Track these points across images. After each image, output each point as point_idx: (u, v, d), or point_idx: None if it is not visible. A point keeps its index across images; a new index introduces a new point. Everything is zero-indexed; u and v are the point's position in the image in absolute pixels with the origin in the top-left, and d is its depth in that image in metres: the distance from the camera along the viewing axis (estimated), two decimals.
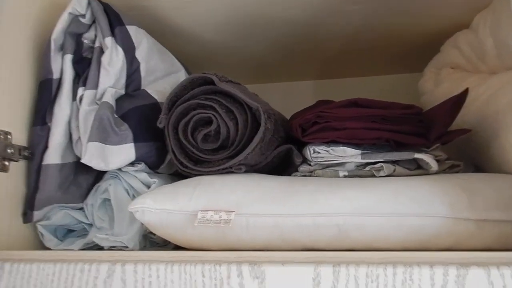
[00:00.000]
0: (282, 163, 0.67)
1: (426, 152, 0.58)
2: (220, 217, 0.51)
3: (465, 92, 0.62)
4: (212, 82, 0.61)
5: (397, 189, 0.51)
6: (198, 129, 0.61)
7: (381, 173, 0.57)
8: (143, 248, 0.64)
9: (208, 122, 0.60)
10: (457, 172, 0.61)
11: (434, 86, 0.84)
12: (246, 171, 0.60)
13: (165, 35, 0.80)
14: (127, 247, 0.61)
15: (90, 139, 0.60)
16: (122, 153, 0.62)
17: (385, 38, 0.89)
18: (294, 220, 0.51)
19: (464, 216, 0.48)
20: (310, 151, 0.60)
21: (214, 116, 0.59)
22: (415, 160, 0.58)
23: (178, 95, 0.62)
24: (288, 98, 1.11)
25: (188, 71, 0.81)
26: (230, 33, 0.85)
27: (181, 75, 0.77)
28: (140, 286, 0.45)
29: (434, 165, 0.57)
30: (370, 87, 1.09)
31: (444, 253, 0.42)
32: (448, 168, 0.60)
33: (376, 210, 0.49)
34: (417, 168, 0.58)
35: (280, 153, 0.63)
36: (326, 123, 0.60)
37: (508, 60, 0.66)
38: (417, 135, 0.60)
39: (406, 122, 0.60)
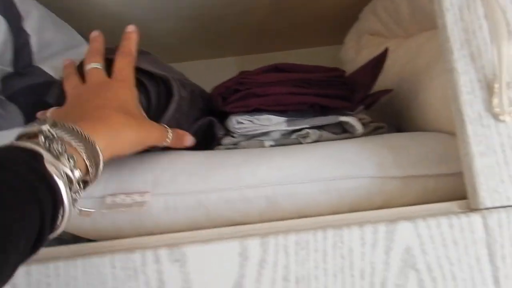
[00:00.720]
0: (205, 139, 0.62)
1: (350, 115, 0.56)
2: (132, 199, 0.46)
3: (385, 52, 0.61)
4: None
5: (324, 154, 0.49)
6: None
7: (308, 140, 0.55)
8: (47, 247, 0.56)
9: None
10: (381, 133, 0.60)
11: (355, 54, 0.84)
12: (164, 149, 0.54)
13: (63, 7, 0.72)
14: None
15: None
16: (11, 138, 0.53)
17: (307, 9, 0.87)
18: (220, 195, 0.47)
19: (391, 174, 0.47)
20: (233, 122, 0.56)
21: None
22: (341, 124, 0.56)
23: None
24: (210, 76, 1.06)
25: None
26: (140, 5, 0.78)
27: (84, 50, 0.69)
28: None
29: (359, 127, 0.55)
30: (295, 61, 1.07)
31: (373, 212, 0.40)
32: (372, 130, 0.59)
33: (305, 176, 0.47)
34: (343, 132, 0.57)
35: (201, 127, 0.58)
36: (248, 90, 0.56)
37: (423, 22, 0.66)
38: (342, 98, 0.58)
39: (329, 86, 0.58)
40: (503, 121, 0.38)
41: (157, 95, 0.54)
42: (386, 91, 0.61)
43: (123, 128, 0.41)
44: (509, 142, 0.38)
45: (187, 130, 0.53)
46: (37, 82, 0.58)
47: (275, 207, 0.47)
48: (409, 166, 0.47)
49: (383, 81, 0.67)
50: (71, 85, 0.49)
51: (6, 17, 0.55)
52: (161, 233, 0.47)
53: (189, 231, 0.41)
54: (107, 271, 0.38)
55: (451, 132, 0.51)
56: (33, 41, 0.60)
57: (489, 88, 0.39)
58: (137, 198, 0.46)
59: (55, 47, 0.64)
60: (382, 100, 0.67)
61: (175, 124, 0.53)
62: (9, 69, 0.57)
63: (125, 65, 0.49)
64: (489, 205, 0.37)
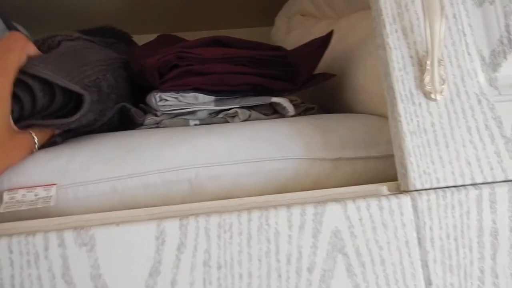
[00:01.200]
0: (125, 122, 0.56)
1: (282, 96, 0.54)
2: (36, 195, 0.40)
3: (330, 34, 0.59)
4: None
5: (253, 133, 0.46)
6: None
7: (236, 120, 0.52)
8: None
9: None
10: (312, 115, 0.59)
11: (285, 35, 0.82)
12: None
13: None
14: None
15: None
16: None
17: None
18: (137, 180, 0.43)
19: (320, 156, 0.45)
20: (155, 99, 0.52)
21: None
22: (271, 105, 0.54)
23: None
24: None
25: (2, 15, 0.65)
26: None
27: None
28: None
29: (290, 109, 0.53)
30: None
31: (302, 193, 0.38)
32: (303, 111, 0.57)
33: (232, 157, 0.44)
34: (274, 113, 0.54)
35: (117, 112, 0.52)
36: (188, 66, 0.51)
37: (354, 3, 0.65)
38: (284, 79, 0.55)
39: (273, 65, 0.54)
40: (434, 99, 0.37)
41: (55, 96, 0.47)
42: (329, 75, 0.59)
43: None
44: (440, 121, 0.37)
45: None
46: None
47: (199, 190, 0.44)
48: (338, 148, 0.46)
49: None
50: None
51: None
52: None
53: (99, 213, 0.37)
54: (3, 256, 0.33)
55: (382, 114, 0.50)
56: None
57: (421, 65, 0.38)
58: (42, 192, 0.40)
59: None
60: None
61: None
62: None
63: None
64: (418, 186, 0.36)
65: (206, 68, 0.50)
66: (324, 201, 0.35)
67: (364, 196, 0.36)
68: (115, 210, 0.42)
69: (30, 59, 0.43)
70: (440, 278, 0.35)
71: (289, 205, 0.35)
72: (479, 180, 0.36)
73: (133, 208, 0.42)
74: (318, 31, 0.69)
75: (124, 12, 0.88)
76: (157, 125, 0.52)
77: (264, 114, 0.53)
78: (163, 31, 1.02)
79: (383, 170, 0.46)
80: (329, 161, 0.45)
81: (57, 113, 0.46)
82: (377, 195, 0.36)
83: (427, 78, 0.37)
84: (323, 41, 0.57)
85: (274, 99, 0.52)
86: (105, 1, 0.82)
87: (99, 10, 0.86)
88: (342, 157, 0.45)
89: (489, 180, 0.36)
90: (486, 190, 0.36)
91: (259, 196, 0.37)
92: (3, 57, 0.41)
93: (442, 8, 0.36)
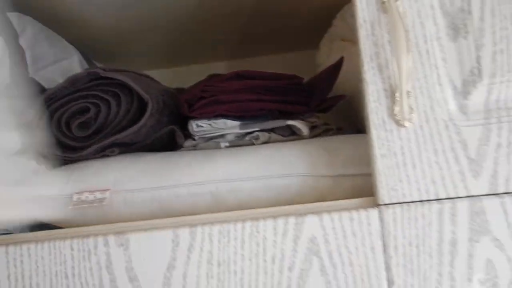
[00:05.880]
0: (171, 143, 0.68)
1: (301, 119, 0.62)
2: (95, 197, 0.53)
3: (340, 60, 0.66)
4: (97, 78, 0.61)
5: (265, 154, 0.55)
6: (75, 117, 0.61)
7: (258, 142, 0.61)
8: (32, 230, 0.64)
9: (86, 110, 0.61)
10: (330, 135, 0.66)
11: (327, 58, 0.88)
12: (124, 152, 0.61)
13: (52, 20, 0.79)
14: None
15: None
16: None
17: (278, 14, 0.90)
18: (170, 191, 0.54)
19: (323, 173, 0.52)
20: (193, 126, 0.63)
21: (94, 103, 0.60)
22: (290, 127, 0.62)
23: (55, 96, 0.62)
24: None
25: (84, 56, 0.81)
26: (125, 17, 0.85)
27: (74, 60, 0.77)
28: (12, 266, 0.46)
29: (305, 131, 0.61)
30: (279, 65, 1.11)
31: (287, 207, 0.46)
32: (322, 132, 0.64)
33: (246, 174, 0.53)
34: (292, 135, 0.62)
35: (163, 135, 0.64)
36: (212, 97, 0.62)
37: None
38: (299, 104, 0.63)
39: (288, 92, 0.64)
40: (404, 126, 0.43)
41: (128, 106, 0.61)
42: (340, 97, 0.66)
43: None
44: (408, 145, 0.43)
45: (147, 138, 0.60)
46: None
47: (221, 201, 0.54)
48: (341, 166, 0.53)
49: (348, 83, 0.71)
50: None
51: (3, 35, 0.64)
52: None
53: (133, 221, 0.48)
54: (67, 252, 0.46)
55: None
56: (28, 55, 0.69)
57: (393, 97, 0.44)
58: (98, 195, 0.53)
59: (46, 60, 0.72)
60: (344, 103, 0.72)
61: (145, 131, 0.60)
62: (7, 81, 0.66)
63: None
64: (386, 201, 0.42)
65: (227, 98, 0.61)
66: (304, 214, 0.43)
67: (338, 210, 0.43)
68: (154, 213, 0.54)
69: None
70: (401, 279, 0.41)
71: (275, 216, 0.43)
72: (442, 196, 0.41)
73: (167, 212, 0.54)
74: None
75: (184, 42, 0.99)
76: (194, 147, 0.63)
77: (283, 136, 0.61)
78: (224, 59, 1.13)
79: None
80: (331, 177, 0.52)
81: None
82: (348, 209, 0.43)
83: (396, 108, 0.43)
84: (335, 67, 0.64)
85: (289, 122, 0.60)
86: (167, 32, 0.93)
87: (163, 41, 0.98)
88: (342, 174, 0.52)
89: (452, 195, 0.41)
90: (447, 204, 0.41)
91: (253, 210, 0.46)
92: None
93: (408, 46, 0.42)
